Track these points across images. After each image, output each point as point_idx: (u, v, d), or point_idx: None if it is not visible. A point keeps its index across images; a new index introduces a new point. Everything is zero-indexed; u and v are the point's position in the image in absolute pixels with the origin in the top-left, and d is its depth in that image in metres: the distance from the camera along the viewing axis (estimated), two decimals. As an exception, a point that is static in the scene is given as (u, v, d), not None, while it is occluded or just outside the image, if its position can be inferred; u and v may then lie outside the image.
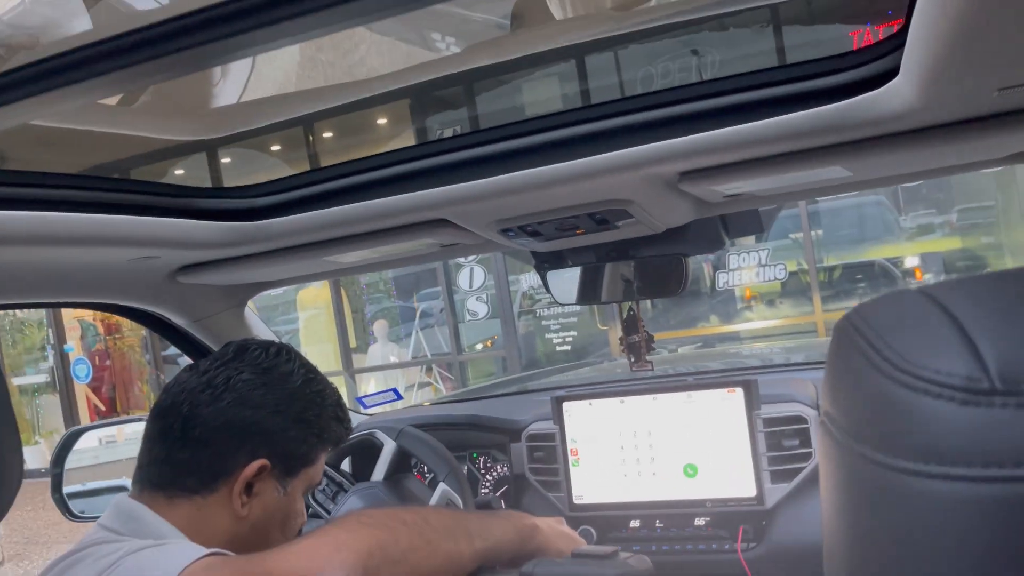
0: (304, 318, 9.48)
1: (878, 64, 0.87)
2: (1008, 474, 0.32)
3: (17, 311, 11.12)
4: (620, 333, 1.62)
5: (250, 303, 1.77)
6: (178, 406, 1.06)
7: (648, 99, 1.01)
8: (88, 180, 1.11)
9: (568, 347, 8.17)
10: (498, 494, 1.83)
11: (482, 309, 8.55)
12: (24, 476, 0.76)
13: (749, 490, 1.53)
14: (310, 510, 1.63)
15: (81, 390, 10.83)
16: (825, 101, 0.91)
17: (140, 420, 1.81)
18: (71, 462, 1.82)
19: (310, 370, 1.14)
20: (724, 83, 0.98)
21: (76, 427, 1.89)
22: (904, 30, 0.76)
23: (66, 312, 10.75)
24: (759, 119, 0.95)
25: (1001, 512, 0.32)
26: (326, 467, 1.63)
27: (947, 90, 0.83)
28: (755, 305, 8.06)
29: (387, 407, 2.16)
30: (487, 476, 1.86)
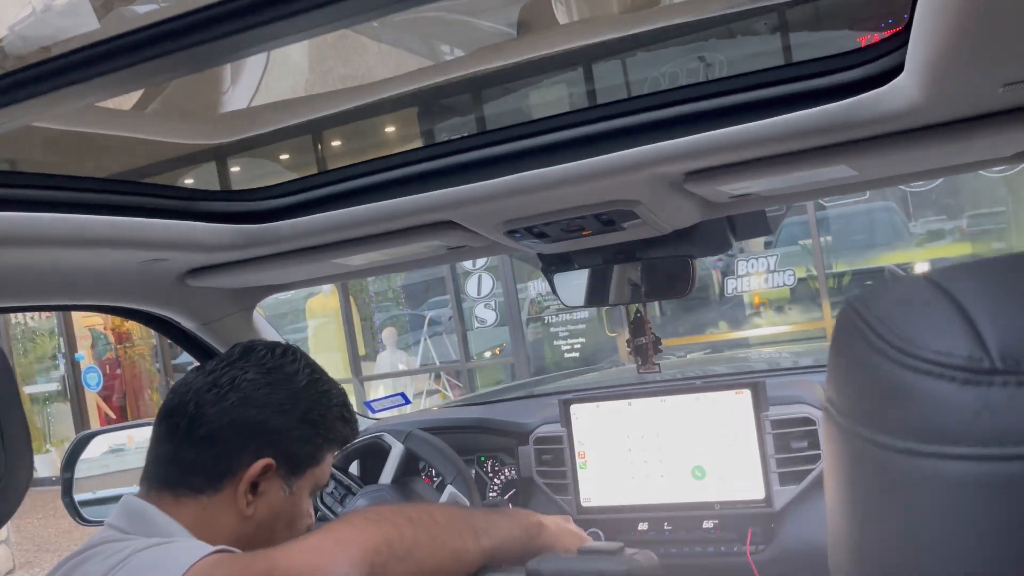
0: (313, 326, 9.50)
1: (882, 62, 0.87)
2: (1009, 452, 0.32)
3: (29, 320, 11.20)
4: (628, 338, 1.62)
5: (258, 310, 1.78)
6: (184, 406, 1.07)
7: (653, 99, 1.02)
8: (99, 183, 1.12)
9: (577, 354, 8.16)
10: (506, 497, 1.83)
11: (490, 316, 8.54)
12: (34, 484, 0.77)
13: (757, 492, 1.52)
14: (318, 513, 1.63)
15: (92, 398, 10.88)
16: (830, 99, 0.91)
17: (151, 424, 1.82)
18: (79, 471, 1.83)
19: (315, 370, 1.15)
20: (729, 82, 0.98)
21: (87, 431, 1.89)
22: (908, 27, 0.76)
23: (77, 321, 10.81)
24: (764, 118, 0.95)
25: (1002, 490, 0.32)
26: (334, 470, 1.64)
27: (952, 87, 0.83)
28: (764, 311, 8.03)
29: (395, 411, 2.17)
30: (495, 479, 1.86)
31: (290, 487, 1.08)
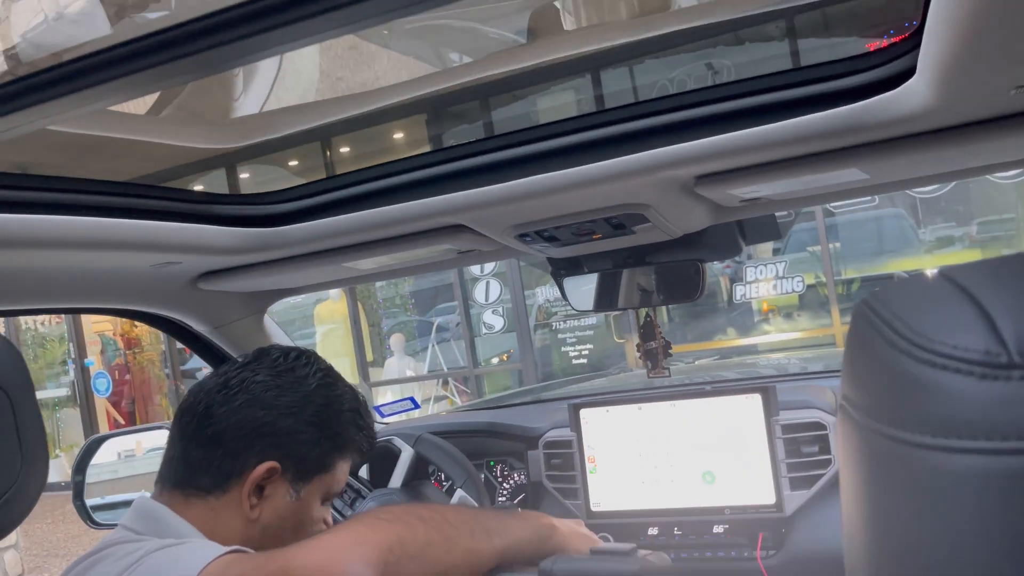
0: (321, 332, 9.52)
1: (894, 64, 0.87)
2: None
3: (39, 326, 11.26)
4: (637, 342, 1.62)
5: (268, 314, 1.78)
6: (195, 406, 1.07)
7: (664, 102, 1.02)
8: (113, 186, 1.13)
9: (584, 360, 8.15)
10: (515, 501, 1.83)
11: (498, 322, 8.54)
12: (44, 489, 0.78)
13: (768, 497, 1.52)
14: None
15: (101, 404, 10.92)
16: (842, 102, 0.91)
17: (161, 427, 1.83)
18: (90, 476, 1.83)
19: (329, 375, 1.13)
20: (740, 86, 0.98)
21: (98, 435, 1.90)
22: (920, 29, 0.76)
23: (87, 326, 10.86)
24: (775, 121, 0.95)
25: (1019, 484, 0.32)
26: (344, 473, 1.64)
27: (963, 89, 0.83)
28: (773, 318, 8.01)
29: (404, 415, 2.17)
30: (504, 484, 1.86)
31: (297, 492, 1.06)
